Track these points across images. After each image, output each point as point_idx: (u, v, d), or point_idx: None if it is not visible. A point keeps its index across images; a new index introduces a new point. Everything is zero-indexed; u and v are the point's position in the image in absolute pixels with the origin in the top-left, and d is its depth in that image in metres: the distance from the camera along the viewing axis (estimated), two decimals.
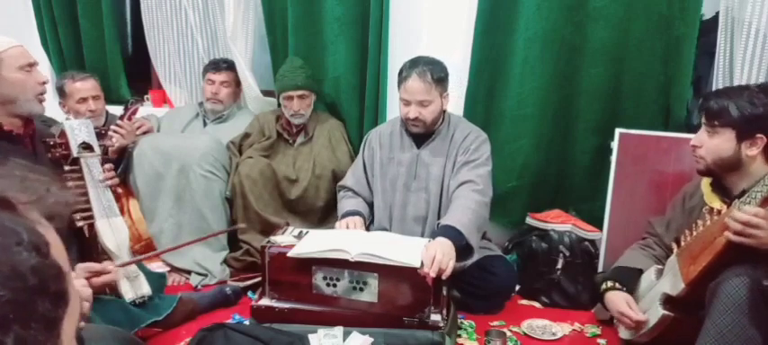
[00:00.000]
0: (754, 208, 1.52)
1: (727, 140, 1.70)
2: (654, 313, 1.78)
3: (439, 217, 2.24)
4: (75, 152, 1.91)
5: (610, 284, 1.95)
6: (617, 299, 1.90)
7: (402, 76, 2.23)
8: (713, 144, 1.72)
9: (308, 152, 2.72)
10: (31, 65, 1.83)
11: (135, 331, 1.82)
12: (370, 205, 2.42)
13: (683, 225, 1.86)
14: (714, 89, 2.26)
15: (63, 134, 1.91)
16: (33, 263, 0.47)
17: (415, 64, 2.21)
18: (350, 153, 2.75)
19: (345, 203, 2.40)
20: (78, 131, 1.93)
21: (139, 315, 1.89)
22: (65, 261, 0.52)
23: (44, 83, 1.86)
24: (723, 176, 1.77)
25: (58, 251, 0.51)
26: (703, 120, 1.76)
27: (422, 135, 2.30)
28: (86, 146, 1.95)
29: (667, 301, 1.75)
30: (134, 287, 1.92)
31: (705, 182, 1.85)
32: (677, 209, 1.97)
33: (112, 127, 2.53)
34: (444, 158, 2.29)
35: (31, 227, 0.50)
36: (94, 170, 1.93)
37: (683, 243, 1.77)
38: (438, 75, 2.20)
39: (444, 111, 2.32)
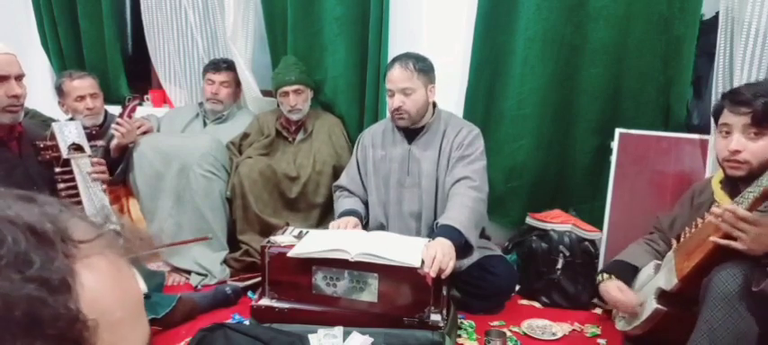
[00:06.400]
0: (742, 212, 1.50)
1: None
2: (648, 306, 1.79)
3: (434, 213, 2.25)
4: (65, 153, 1.88)
5: (604, 276, 1.98)
6: (610, 287, 1.93)
7: (387, 69, 2.27)
8: (761, 145, 1.64)
9: (307, 148, 2.72)
10: (5, 77, 1.78)
11: None
12: (366, 203, 2.43)
13: (688, 222, 1.85)
14: (714, 90, 2.26)
15: (53, 135, 1.89)
16: (30, 294, 0.41)
17: (399, 57, 2.26)
18: (350, 149, 2.75)
19: (341, 203, 2.41)
20: (68, 132, 1.91)
21: None
22: (102, 312, 0.44)
23: (15, 96, 1.79)
24: (752, 178, 1.67)
25: (98, 299, 0.44)
26: (748, 122, 1.64)
27: (412, 130, 2.31)
28: (77, 147, 1.92)
29: (662, 295, 1.76)
30: None
31: (715, 181, 1.84)
32: (685, 206, 1.97)
33: (113, 125, 2.53)
34: (436, 153, 2.29)
35: (50, 262, 0.42)
36: (85, 171, 1.91)
37: (682, 239, 1.77)
38: (420, 65, 2.22)
39: (434, 106, 2.33)
